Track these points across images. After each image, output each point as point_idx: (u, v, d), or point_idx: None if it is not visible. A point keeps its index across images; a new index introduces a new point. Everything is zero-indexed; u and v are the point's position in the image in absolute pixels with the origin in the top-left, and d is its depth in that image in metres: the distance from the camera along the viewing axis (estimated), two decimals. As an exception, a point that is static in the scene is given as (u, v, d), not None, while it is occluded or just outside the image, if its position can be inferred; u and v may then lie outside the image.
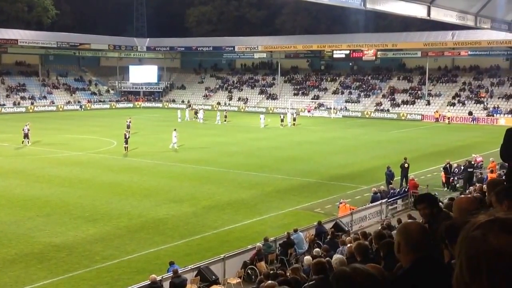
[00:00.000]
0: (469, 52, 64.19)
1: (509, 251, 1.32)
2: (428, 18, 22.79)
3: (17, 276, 15.53)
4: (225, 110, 64.37)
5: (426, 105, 65.36)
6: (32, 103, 71.24)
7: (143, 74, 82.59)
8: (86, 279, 15.40)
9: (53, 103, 73.34)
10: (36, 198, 24.08)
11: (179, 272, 13.92)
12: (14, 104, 69.85)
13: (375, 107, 67.37)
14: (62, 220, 20.84)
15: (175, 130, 38.65)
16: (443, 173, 27.07)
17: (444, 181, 26.81)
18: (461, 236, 1.45)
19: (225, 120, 57.12)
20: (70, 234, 19.16)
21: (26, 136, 39.29)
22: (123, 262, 16.71)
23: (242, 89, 79.58)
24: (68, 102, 74.86)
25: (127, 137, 37.07)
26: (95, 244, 18.28)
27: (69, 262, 16.61)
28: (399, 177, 26.22)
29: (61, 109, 71.80)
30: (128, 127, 44.22)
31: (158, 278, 13.52)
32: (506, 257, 1.32)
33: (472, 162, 27.42)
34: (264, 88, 78.38)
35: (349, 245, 12.46)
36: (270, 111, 68.65)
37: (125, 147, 36.45)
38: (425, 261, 2.84)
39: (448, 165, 26.78)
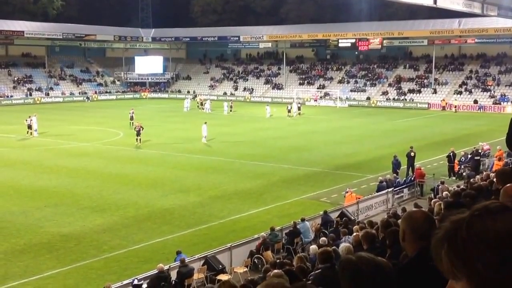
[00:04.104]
0: (475, 40, 63.69)
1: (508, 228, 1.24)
2: (435, 5, 22.64)
3: (26, 265, 15.69)
4: (231, 100, 64.27)
5: (433, 93, 65.00)
6: (38, 95, 71.48)
7: (148, 65, 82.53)
8: (94, 269, 15.54)
9: (60, 94, 73.57)
10: (44, 189, 24.26)
11: (186, 261, 14.02)
12: (21, 95, 70.12)
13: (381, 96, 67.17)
14: (70, 210, 21.00)
15: (205, 123, 37.37)
16: (447, 161, 26.96)
17: (448, 169, 26.70)
18: (450, 234, 1.28)
19: (230, 111, 57.09)
20: (78, 224, 19.32)
21: (29, 127, 39.44)
22: (130, 251, 16.85)
23: (247, 79, 79.40)
24: (74, 93, 75.03)
25: (136, 129, 36.54)
26: (102, 234, 18.42)
27: (77, 251, 16.77)
28: (406, 166, 26.17)
29: (67, 100, 71.96)
30: (132, 118, 44.19)
31: (166, 267, 13.65)
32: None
33: (479, 151, 27.29)
34: (269, 78, 78.15)
35: (355, 233, 12.49)
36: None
37: (136, 139, 35.97)
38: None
39: (452, 154, 26.56)
